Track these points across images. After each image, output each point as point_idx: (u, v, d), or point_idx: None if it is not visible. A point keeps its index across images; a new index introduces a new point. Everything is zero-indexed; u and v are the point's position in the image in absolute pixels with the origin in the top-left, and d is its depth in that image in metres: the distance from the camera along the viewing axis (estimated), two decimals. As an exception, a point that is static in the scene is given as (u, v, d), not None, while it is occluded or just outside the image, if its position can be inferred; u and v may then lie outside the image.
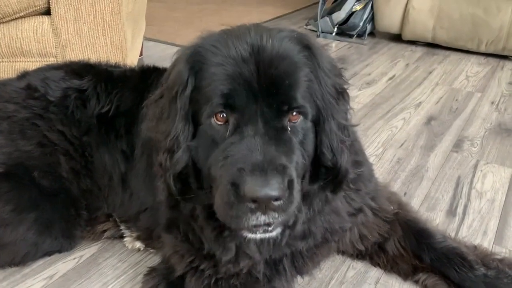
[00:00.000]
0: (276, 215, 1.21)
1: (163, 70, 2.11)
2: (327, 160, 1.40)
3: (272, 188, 1.15)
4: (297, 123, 1.33)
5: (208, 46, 1.33)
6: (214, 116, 1.30)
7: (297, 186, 1.25)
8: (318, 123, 1.38)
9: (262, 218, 1.20)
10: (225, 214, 1.25)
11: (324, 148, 1.39)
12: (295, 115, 1.32)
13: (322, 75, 1.36)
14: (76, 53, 2.63)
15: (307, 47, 1.37)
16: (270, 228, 1.26)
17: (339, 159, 1.41)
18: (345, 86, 1.48)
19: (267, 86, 1.26)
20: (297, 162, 1.30)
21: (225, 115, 1.30)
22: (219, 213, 1.29)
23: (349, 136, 1.47)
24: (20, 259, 1.88)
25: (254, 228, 1.25)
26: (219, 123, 1.30)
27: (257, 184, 1.15)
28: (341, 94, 1.44)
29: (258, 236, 1.31)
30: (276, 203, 1.18)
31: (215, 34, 1.39)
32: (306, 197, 1.50)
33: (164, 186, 1.42)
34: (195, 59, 1.34)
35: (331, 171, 1.43)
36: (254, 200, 1.17)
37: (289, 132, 1.31)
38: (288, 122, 1.31)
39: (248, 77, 1.26)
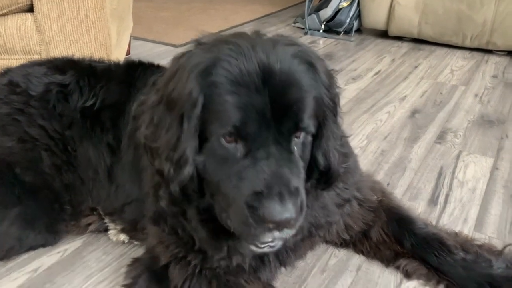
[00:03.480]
0: (290, 231, 1.30)
1: (148, 64, 2.13)
2: (321, 166, 1.45)
3: (291, 213, 1.23)
4: (300, 139, 1.36)
5: (220, 69, 1.30)
6: (223, 136, 1.30)
7: (304, 201, 1.31)
8: (315, 136, 1.42)
9: (277, 235, 1.28)
10: (241, 231, 1.32)
11: (319, 155, 1.44)
12: (299, 132, 1.35)
13: (323, 94, 1.39)
14: (60, 50, 2.63)
15: (312, 65, 1.38)
16: (273, 244, 1.37)
17: (332, 163, 1.46)
18: (338, 91, 1.50)
19: (278, 114, 1.28)
20: (303, 178, 1.36)
21: (236, 137, 1.30)
22: (235, 229, 1.34)
23: (342, 142, 1.53)
24: (4, 253, 1.88)
25: (262, 244, 1.37)
26: (229, 142, 1.30)
27: (276, 209, 1.21)
28: (335, 100, 1.47)
29: (263, 250, 1.41)
30: (292, 222, 1.25)
31: (222, 49, 1.34)
32: None
33: (167, 196, 1.42)
34: (206, 80, 1.30)
35: (324, 173, 1.49)
36: (273, 222, 1.23)
37: (295, 152, 1.34)
38: (293, 141, 1.34)
39: (262, 108, 1.26)
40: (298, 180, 1.30)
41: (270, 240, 1.34)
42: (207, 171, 1.36)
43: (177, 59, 1.42)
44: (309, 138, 1.40)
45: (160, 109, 1.40)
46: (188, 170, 1.35)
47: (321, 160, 1.44)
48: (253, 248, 1.39)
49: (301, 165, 1.36)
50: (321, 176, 1.50)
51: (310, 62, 1.38)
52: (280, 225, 1.24)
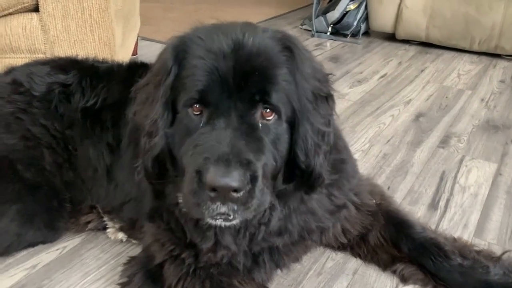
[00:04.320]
0: (235, 207, 1.25)
1: (151, 65, 2.15)
2: (300, 162, 1.43)
3: (232, 179, 1.19)
4: (271, 121, 1.36)
5: (195, 38, 1.38)
6: (190, 106, 1.35)
7: (260, 184, 1.28)
8: (293, 126, 1.41)
9: (222, 209, 1.25)
10: (188, 201, 1.30)
11: (298, 150, 1.41)
12: (268, 112, 1.35)
13: (299, 78, 1.39)
14: (65, 50, 2.66)
15: (289, 49, 1.39)
16: (230, 217, 1.29)
17: (312, 162, 1.43)
18: (331, 92, 1.49)
19: (242, 81, 1.30)
20: (265, 163, 1.32)
21: (200, 106, 1.34)
22: (184, 201, 1.34)
23: (327, 141, 1.48)
24: (3, 249, 1.90)
25: (215, 216, 1.28)
26: (195, 113, 1.35)
27: (218, 173, 1.19)
28: (324, 99, 1.46)
29: (219, 223, 1.34)
30: (235, 194, 1.22)
31: (205, 26, 1.44)
32: (281, 195, 1.54)
33: (142, 167, 1.48)
34: (180, 49, 1.39)
35: (304, 173, 1.46)
36: (213, 189, 1.21)
37: (260, 130, 1.34)
38: (261, 120, 1.35)
39: (225, 72, 1.30)
40: (254, 156, 1.27)
41: (219, 213, 1.26)
42: (175, 144, 1.40)
43: (168, 40, 1.48)
44: (284, 125, 1.38)
45: (148, 87, 1.49)
46: (157, 141, 1.40)
47: (300, 155, 1.41)
48: (208, 220, 1.32)
49: (267, 147, 1.33)
50: (303, 176, 1.47)
51: (288, 46, 1.39)
52: (221, 193, 1.21)
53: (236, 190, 1.21)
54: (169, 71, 1.39)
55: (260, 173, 1.28)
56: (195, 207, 1.28)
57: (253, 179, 1.25)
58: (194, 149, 1.30)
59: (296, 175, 1.48)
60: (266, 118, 1.35)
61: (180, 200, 1.47)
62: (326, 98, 1.47)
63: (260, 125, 1.34)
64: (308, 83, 1.40)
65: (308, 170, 1.44)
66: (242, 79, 1.30)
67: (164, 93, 1.39)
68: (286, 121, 1.38)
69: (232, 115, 1.30)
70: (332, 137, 1.53)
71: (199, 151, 1.27)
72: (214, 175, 1.19)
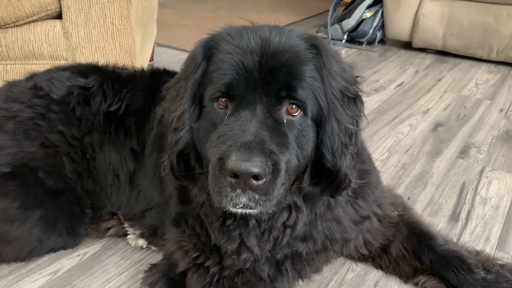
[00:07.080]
0: (256, 197, 1.24)
1: (173, 72, 2.16)
2: (327, 162, 1.41)
3: (253, 165, 1.19)
4: (296, 117, 1.36)
5: (224, 35, 1.41)
6: (216, 100, 1.38)
7: (282, 177, 1.28)
8: (319, 124, 1.40)
9: (242, 198, 1.24)
10: (212, 190, 1.30)
11: (324, 149, 1.40)
12: (294, 108, 1.36)
13: (326, 75, 1.39)
14: (86, 56, 2.69)
15: (315, 47, 1.40)
16: (250, 206, 1.27)
17: (339, 162, 1.41)
18: (359, 93, 1.49)
19: (267, 76, 1.32)
20: (289, 159, 1.32)
21: (226, 100, 1.36)
22: (211, 192, 1.33)
23: (354, 143, 1.46)
24: (25, 254, 1.92)
25: (235, 204, 1.27)
26: (221, 107, 1.37)
27: (239, 158, 1.20)
28: (352, 100, 1.45)
29: (239, 210, 1.32)
30: (255, 182, 1.22)
31: (235, 26, 1.47)
32: (308, 199, 1.53)
33: (168, 162, 1.51)
34: (210, 45, 1.43)
35: (331, 173, 1.44)
36: (235, 175, 1.21)
37: (285, 126, 1.34)
38: (286, 115, 1.35)
39: (251, 67, 1.33)
40: (277, 148, 1.27)
41: (240, 203, 1.25)
42: (200, 138, 1.42)
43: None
44: (309, 122, 1.37)
45: (179, 85, 1.52)
46: (183, 135, 1.42)
47: (327, 154, 1.40)
48: (229, 208, 1.30)
49: (291, 145, 1.33)
50: (329, 177, 1.45)
51: (315, 44, 1.40)
52: (241, 179, 1.20)
53: (256, 177, 1.21)
54: (198, 66, 1.43)
55: (283, 166, 1.28)
56: (218, 196, 1.27)
57: (275, 170, 1.26)
58: (218, 140, 1.32)
59: (324, 176, 1.47)
60: (292, 114, 1.36)
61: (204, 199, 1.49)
62: (354, 99, 1.46)
63: (285, 120, 1.35)
64: (335, 80, 1.40)
65: (334, 170, 1.42)
66: (268, 74, 1.32)
67: (192, 86, 1.43)
68: (312, 119, 1.38)
69: (257, 108, 1.32)
70: (360, 139, 1.52)
71: (223, 140, 1.29)
72: (236, 160, 1.20)
